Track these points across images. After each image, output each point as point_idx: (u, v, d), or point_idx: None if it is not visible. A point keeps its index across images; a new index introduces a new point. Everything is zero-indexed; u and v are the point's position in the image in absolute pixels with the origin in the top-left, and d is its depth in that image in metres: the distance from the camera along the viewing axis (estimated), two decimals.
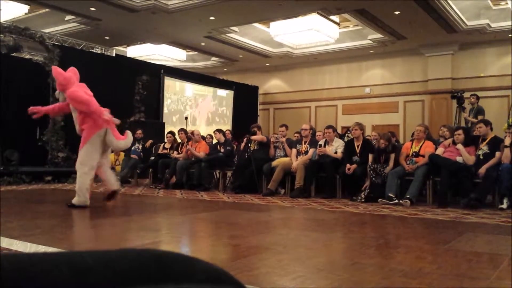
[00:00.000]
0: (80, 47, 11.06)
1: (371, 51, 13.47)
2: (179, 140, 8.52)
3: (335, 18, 11.62)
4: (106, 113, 4.74)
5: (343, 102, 14.47)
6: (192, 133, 8.36)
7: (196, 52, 14.72)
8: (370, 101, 13.94)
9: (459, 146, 5.66)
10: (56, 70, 4.99)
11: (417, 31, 11.29)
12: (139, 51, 13.87)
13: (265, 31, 12.44)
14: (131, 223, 4.03)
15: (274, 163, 6.92)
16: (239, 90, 15.01)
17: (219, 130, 8.26)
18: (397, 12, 10.07)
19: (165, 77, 12.76)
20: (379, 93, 13.80)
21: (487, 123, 5.74)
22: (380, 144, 6.17)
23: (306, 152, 6.83)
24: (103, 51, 11.64)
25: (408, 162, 5.91)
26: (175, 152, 8.24)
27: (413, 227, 4.02)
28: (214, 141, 8.52)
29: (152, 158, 8.38)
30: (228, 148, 7.85)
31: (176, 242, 3.27)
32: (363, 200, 5.77)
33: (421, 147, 6.00)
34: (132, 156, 8.55)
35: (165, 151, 8.51)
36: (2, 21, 9.53)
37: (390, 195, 5.55)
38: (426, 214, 4.68)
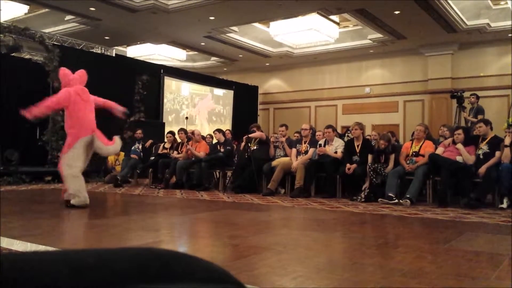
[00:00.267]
0: (80, 47, 11.06)
1: (371, 51, 13.47)
2: (179, 140, 8.52)
3: (335, 18, 11.62)
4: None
5: (343, 102, 14.47)
6: (192, 133, 8.36)
7: (196, 52, 14.71)
8: (370, 101, 13.94)
9: (459, 145, 5.66)
10: (63, 71, 5.04)
11: (417, 31, 11.29)
12: (139, 51, 13.86)
13: (265, 31, 12.44)
14: (131, 223, 4.03)
15: (274, 163, 6.92)
16: (239, 90, 15.01)
17: (219, 130, 8.26)
18: (397, 12, 10.07)
19: (165, 77, 12.76)
20: (379, 93, 13.80)
21: (487, 122, 5.74)
22: (380, 145, 6.17)
23: (306, 152, 6.83)
24: (103, 51, 11.64)
25: (408, 162, 5.92)
26: (175, 152, 8.24)
27: (413, 227, 4.02)
28: (214, 141, 8.52)
29: (152, 158, 8.38)
30: (228, 148, 7.85)
31: (176, 242, 3.27)
32: (363, 200, 5.77)
33: (421, 146, 6.00)
34: (132, 156, 8.55)
35: (165, 151, 8.51)
36: (2, 21, 9.53)
37: (390, 194, 5.55)
38: (426, 213, 4.68)
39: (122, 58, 12.46)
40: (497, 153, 5.42)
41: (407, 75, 13.38)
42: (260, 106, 16.04)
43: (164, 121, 12.23)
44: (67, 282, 0.39)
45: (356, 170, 6.10)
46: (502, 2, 10.62)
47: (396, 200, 5.49)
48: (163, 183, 7.71)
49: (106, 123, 9.62)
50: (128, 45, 13.91)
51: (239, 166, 7.25)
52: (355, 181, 6.17)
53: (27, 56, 10.70)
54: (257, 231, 3.52)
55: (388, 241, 3.31)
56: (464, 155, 5.57)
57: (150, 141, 9.01)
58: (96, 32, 11.73)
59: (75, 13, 10.72)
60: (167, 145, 8.63)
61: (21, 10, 11.00)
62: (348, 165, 6.18)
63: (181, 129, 8.49)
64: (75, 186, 4.70)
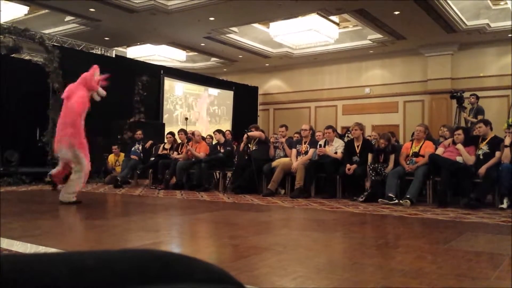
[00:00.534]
0: (80, 48, 11.06)
1: (371, 51, 13.47)
2: (179, 141, 8.52)
3: (335, 18, 11.62)
4: None
5: (343, 102, 14.47)
6: (193, 133, 8.36)
7: (196, 53, 14.72)
8: (370, 101, 13.94)
9: (459, 146, 5.66)
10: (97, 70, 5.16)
11: (417, 31, 11.29)
12: (139, 52, 13.86)
13: (265, 31, 12.44)
14: (131, 223, 4.03)
15: (274, 163, 6.92)
16: (239, 90, 15.01)
17: (219, 131, 8.26)
18: (396, 12, 10.07)
19: (165, 78, 12.76)
20: (379, 93, 13.80)
21: (487, 123, 5.74)
22: (379, 144, 6.17)
23: (306, 152, 6.83)
24: (103, 51, 11.65)
25: (408, 162, 5.92)
26: (175, 153, 8.24)
27: (413, 227, 4.02)
28: (214, 141, 8.52)
29: (152, 158, 8.38)
30: (228, 148, 7.85)
31: (176, 243, 3.27)
32: (363, 198, 5.78)
33: (421, 147, 6.00)
34: (132, 156, 8.55)
35: (165, 151, 8.51)
36: (2, 22, 9.53)
37: (390, 195, 5.55)
38: (426, 214, 4.68)
39: (122, 59, 12.46)
40: (497, 153, 5.42)
41: (407, 76, 13.38)
42: (260, 107, 16.05)
43: (164, 122, 12.23)
44: (67, 283, 0.39)
45: (356, 170, 6.10)
46: (502, 2, 10.62)
47: (396, 201, 5.49)
48: (163, 184, 7.71)
49: (107, 123, 9.69)
50: (128, 46, 13.91)
51: (239, 166, 7.25)
52: (355, 181, 6.17)
53: (27, 57, 10.72)
54: (257, 232, 3.52)
55: (388, 241, 3.31)
56: (464, 155, 5.57)
57: (150, 142, 9.01)
58: (96, 33, 11.73)
59: (75, 14, 10.73)
60: (167, 146, 8.63)
61: (21, 11, 11.00)
62: (348, 166, 6.18)
63: (181, 130, 8.50)
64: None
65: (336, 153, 6.58)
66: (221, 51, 13.89)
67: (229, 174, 7.63)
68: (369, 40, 12.48)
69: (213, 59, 15.29)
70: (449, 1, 9.73)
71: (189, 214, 4.81)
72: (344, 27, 12.56)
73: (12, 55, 9.63)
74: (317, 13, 10.64)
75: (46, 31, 11.20)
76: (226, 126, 13.89)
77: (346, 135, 7.66)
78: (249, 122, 9.69)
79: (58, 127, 5.11)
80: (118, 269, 0.42)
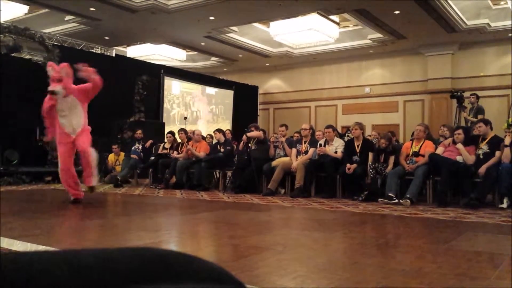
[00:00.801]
0: (79, 47, 11.05)
1: (371, 51, 13.47)
2: (179, 140, 8.52)
3: (335, 18, 11.61)
4: None
5: (343, 101, 14.47)
6: (193, 133, 8.36)
7: (196, 52, 14.71)
8: (370, 101, 13.94)
9: (459, 145, 5.66)
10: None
11: (417, 31, 11.29)
12: (139, 51, 13.86)
13: (265, 31, 12.44)
14: (131, 223, 4.03)
15: (274, 163, 6.92)
16: (239, 90, 15.00)
17: (219, 130, 8.25)
18: (397, 12, 10.07)
19: (165, 77, 12.76)
20: (379, 93, 13.80)
21: (487, 122, 5.73)
22: (380, 144, 6.17)
23: (306, 152, 6.83)
24: (103, 51, 11.64)
25: (408, 162, 5.91)
26: (175, 152, 8.24)
27: (413, 227, 4.02)
28: (214, 141, 8.52)
29: (152, 158, 8.38)
30: (228, 148, 7.84)
31: (176, 242, 3.27)
32: (363, 197, 5.78)
33: (421, 146, 5.99)
34: (132, 156, 8.55)
35: (165, 151, 8.51)
36: (2, 21, 9.53)
37: (390, 194, 5.55)
38: (426, 213, 4.68)
39: (122, 58, 12.45)
40: (497, 153, 5.42)
41: (407, 75, 13.38)
42: (260, 106, 16.05)
43: (164, 121, 12.23)
44: (67, 282, 0.39)
45: (356, 170, 6.10)
46: (502, 2, 10.62)
47: (396, 200, 5.49)
48: (163, 183, 7.71)
49: (107, 123, 9.69)
50: (128, 45, 13.91)
51: (239, 166, 7.25)
52: (355, 181, 6.17)
53: (27, 57, 10.69)
54: (257, 231, 3.52)
55: (388, 241, 3.31)
56: (464, 155, 5.57)
57: (150, 141, 9.01)
58: (96, 32, 11.73)
59: (75, 13, 10.72)
60: (167, 145, 8.63)
61: (21, 10, 11.00)
62: (348, 165, 6.18)
63: (181, 129, 8.50)
64: None
65: (336, 152, 6.58)
66: (221, 51, 13.89)
67: (229, 173, 7.62)
68: (369, 39, 12.48)
69: (213, 58, 15.28)
70: (449, 1, 9.73)
71: (189, 214, 4.81)
72: (344, 27, 12.56)
73: (12, 54, 9.62)
74: (317, 13, 10.64)
75: (46, 30, 11.19)
76: (226, 125, 13.89)
77: (346, 134, 7.66)
78: (249, 121, 9.69)
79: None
80: (118, 268, 0.42)
